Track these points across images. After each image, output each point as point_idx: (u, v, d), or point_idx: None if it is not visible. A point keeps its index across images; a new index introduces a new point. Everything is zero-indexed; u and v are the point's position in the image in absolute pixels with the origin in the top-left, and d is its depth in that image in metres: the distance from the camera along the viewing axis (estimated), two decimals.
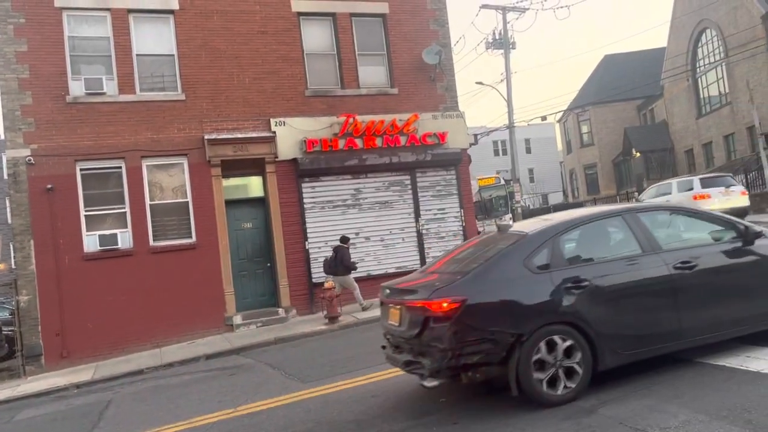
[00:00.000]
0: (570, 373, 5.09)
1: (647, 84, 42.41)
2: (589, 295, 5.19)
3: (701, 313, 5.48)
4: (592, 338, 5.12)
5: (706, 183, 18.75)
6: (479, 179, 28.01)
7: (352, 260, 13.08)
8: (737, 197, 18.54)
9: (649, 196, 20.41)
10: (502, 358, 5.02)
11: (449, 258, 6.39)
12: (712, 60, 37.39)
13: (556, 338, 5.06)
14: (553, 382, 5.05)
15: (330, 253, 13.32)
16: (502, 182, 28.80)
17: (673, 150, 42.36)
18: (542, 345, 5.02)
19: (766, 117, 31.54)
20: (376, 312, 12.66)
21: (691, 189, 18.49)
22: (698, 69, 39.01)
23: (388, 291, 6.01)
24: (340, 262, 12.93)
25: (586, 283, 5.20)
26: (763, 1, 31.27)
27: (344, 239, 13.37)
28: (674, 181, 20.08)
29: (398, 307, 5.67)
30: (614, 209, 6.02)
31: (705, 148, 39.29)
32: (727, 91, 36.14)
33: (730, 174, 23.37)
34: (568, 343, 5.07)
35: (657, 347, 5.38)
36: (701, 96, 39.31)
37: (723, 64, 35.87)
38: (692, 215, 6.22)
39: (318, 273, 14.17)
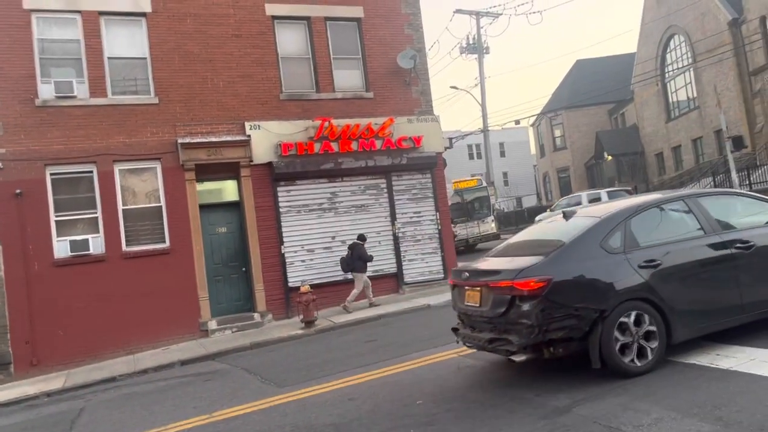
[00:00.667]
0: (645, 347, 5.47)
1: (618, 88, 43.17)
2: (661, 274, 5.63)
3: (759, 289, 5.96)
4: (666, 313, 5.56)
5: (612, 195, 21.80)
6: (460, 182, 27.49)
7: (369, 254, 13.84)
8: None
9: (560, 207, 22.40)
10: (584, 333, 5.40)
11: (514, 243, 6.87)
12: (680, 65, 38.19)
13: (635, 314, 5.46)
14: (631, 354, 5.43)
15: (345, 252, 13.93)
16: (484, 184, 28.25)
17: (644, 153, 43.13)
18: (622, 320, 5.42)
19: (733, 121, 32.31)
20: (360, 314, 12.72)
21: (599, 200, 20.63)
22: (667, 74, 39.82)
23: (466, 274, 6.29)
24: (357, 258, 13.52)
25: (657, 263, 5.64)
26: (729, 8, 32.05)
27: (362, 237, 13.99)
28: (584, 193, 22.32)
29: (478, 288, 6.01)
30: (675, 194, 6.52)
31: (674, 152, 40.07)
32: (695, 95, 36.93)
33: (634, 187, 28.59)
34: (645, 318, 5.49)
35: (722, 321, 5.84)
36: (670, 100, 40.12)
37: (691, 69, 36.66)
38: (747, 198, 6.78)
39: (294, 277, 14.12)
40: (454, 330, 6.62)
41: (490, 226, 26.72)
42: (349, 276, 14.29)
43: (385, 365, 7.72)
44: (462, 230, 25.65)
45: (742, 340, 5.94)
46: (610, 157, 43.06)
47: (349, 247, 13.80)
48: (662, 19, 38.13)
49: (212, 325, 13.20)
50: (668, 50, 39.17)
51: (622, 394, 5.08)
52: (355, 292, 13.54)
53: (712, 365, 5.44)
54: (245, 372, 9.27)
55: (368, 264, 13.82)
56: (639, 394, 5.02)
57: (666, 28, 38.15)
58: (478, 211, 26.76)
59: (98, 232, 12.79)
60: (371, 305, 13.54)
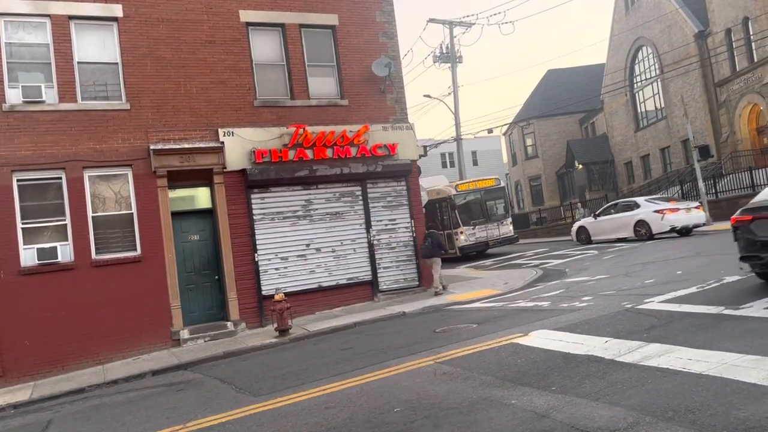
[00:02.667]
0: None
1: (588, 98, 43.94)
2: None
3: None
4: None
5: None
6: (476, 181, 26.17)
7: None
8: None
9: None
10: None
11: None
12: (648, 76, 39.03)
13: None
14: None
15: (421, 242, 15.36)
16: (502, 184, 26.83)
17: (614, 162, 43.87)
18: None
19: (700, 131, 33.08)
20: (334, 322, 12.63)
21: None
22: (635, 84, 40.65)
23: None
24: (437, 245, 15.11)
25: None
26: (695, 20, 32.87)
27: (434, 227, 16.02)
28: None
29: None
30: None
31: (643, 161, 40.87)
32: (662, 105, 37.75)
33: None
34: None
35: None
36: (639, 110, 40.95)
37: (658, 80, 37.47)
38: None
39: (268, 285, 14.01)
40: (745, 258, 8.12)
41: (508, 228, 25.93)
42: (324, 284, 14.34)
43: (362, 373, 7.67)
44: (481, 232, 24.82)
45: (717, 345, 6.05)
46: (580, 166, 43.73)
47: (427, 236, 15.28)
48: (630, 31, 38.96)
49: (184, 334, 12.99)
50: (636, 61, 40.03)
51: (597, 399, 5.12)
52: (437, 276, 15.12)
53: (684, 370, 5.52)
54: (219, 381, 9.14)
55: (347, 268, 14.63)
56: (615, 399, 5.06)
57: (634, 39, 38.98)
58: (495, 213, 25.74)
59: (67, 239, 12.51)
60: (437, 294, 14.75)
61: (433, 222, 24.55)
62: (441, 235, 16.75)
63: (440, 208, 25.47)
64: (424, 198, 21.49)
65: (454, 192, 25.06)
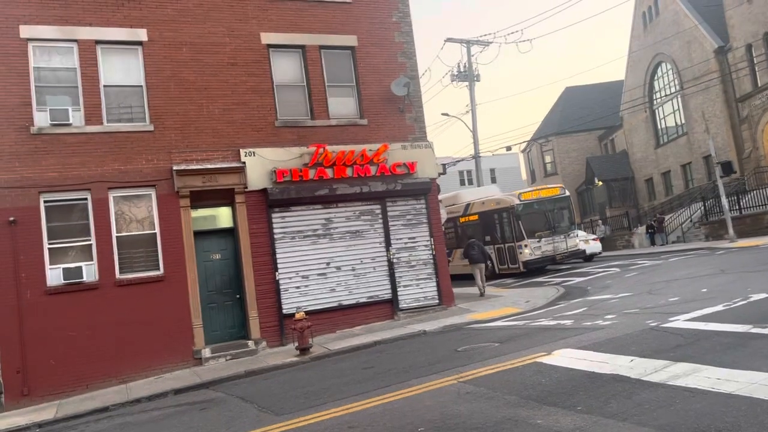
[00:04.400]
0: None
1: (607, 115, 43.73)
2: None
3: None
4: None
5: None
6: (539, 190, 24.32)
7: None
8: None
9: None
10: None
11: None
12: (668, 92, 38.78)
13: None
14: None
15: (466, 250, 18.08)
16: (567, 193, 24.58)
17: (634, 179, 43.52)
18: None
19: (722, 147, 32.73)
20: (354, 341, 12.62)
21: None
22: (655, 101, 40.41)
23: None
24: (483, 252, 17.88)
25: None
26: (715, 36, 32.68)
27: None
28: None
29: None
30: None
31: (664, 177, 40.47)
32: (683, 122, 37.44)
33: None
34: None
35: None
36: (659, 127, 40.65)
37: (678, 96, 37.20)
38: None
39: (288, 304, 14.05)
40: None
41: (575, 241, 24.13)
42: (344, 302, 14.44)
43: (384, 392, 7.65)
44: (547, 245, 22.83)
45: (746, 365, 5.96)
46: (600, 183, 43.42)
47: (474, 245, 18.24)
48: (649, 47, 38.83)
49: (206, 353, 13.06)
50: (656, 77, 39.83)
51: (627, 419, 5.05)
52: (480, 281, 17.71)
53: (666, 381, 5.43)
54: (241, 400, 9.16)
55: (366, 287, 15.04)
56: (593, 406, 4.98)
57: (653, 56, 38.82)
58: (561, 224, 23.75)
59: (92, 259, 12.69)
60: (482, 296, 16.63)
61: (490, 235, 24.10)
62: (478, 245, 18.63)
63: (499, 219, 23.98)
64: (444, 216, 21.44)
65: (517, 201, 23.16)
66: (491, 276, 22.78)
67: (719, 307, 9.20)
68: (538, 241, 22.71)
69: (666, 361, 6.58)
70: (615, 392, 5.84)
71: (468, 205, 25.88)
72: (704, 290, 11.41)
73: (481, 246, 18.66)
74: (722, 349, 6.76)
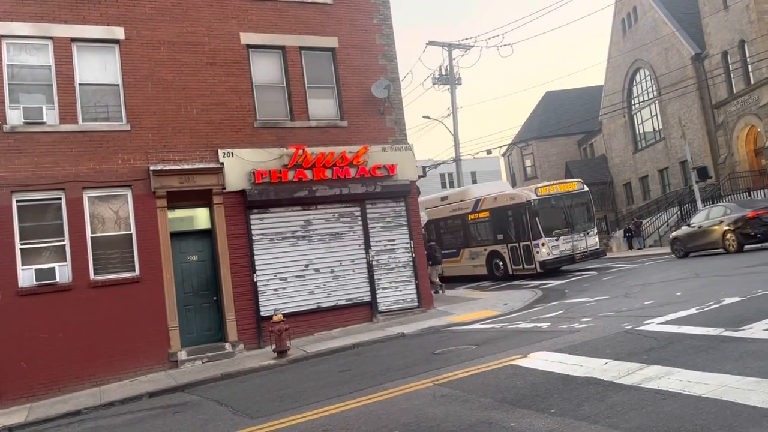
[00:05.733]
0: None
1: (587, 120, 44.20)
2: None
3: None
4: None
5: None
6: (557, 184, 22.44)
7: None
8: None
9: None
10: None
11: None
12: (646, 98, 39.30)
13: None
14: None
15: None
16: (585, 188, 22.75)
17: (613, 183, 43.99)
18: None
19: (698, 152, 33.23)
20: (333, 343, 12.57)
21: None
22: (633, 106, 40.93)
23: None
24: (430, 256, 19.22)
25: None
26: (692, 43, 33.17)
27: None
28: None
29: None
30: None
31: (642, 182, 40.98)
32: (660, 127, 37.95)
33: None
34: None
35: None
36: (637, 132, 41.17)
37: (656, 102, 37.72)
38: None
39: (266, 306, 13.96)
40: None
41: (595, 240, 22.29)
42: (323, 305, 14.47)
43: (360, 395, 7.61)
44: (565, 244, 21.12)
45: (717, 368, 6.02)
46: None
47: (435, 248, 20.72)
48: (628, 53, 39.31)
49: (182, 355, 12.91)
50: (634, 83, 40.35)
51: (599, 421, 5.08)
52: (437, 280, 19.97)
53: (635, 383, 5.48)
54: (216, 404, 9.06)
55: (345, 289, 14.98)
56: (565, 408, 5.02)
57: (632, 62, 39.31)
58: (580, 221, 21.92)
59: (65, 260, 12.49)
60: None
61: (503, 233, 22.18)
62: (437, 249, 20.84)
63: (513, 216, 21.78)
64: (424, 218, 21.45)
65: (533, 197, 21.19)
66: (504, 277, 21.93)
67: (692, 311, 9.31)
68: (556, 240, 20.98)
69: (639, 364, 6.63)
70: (588, 395, 5.87)
71: (478, 200, 23.74)
72: (678, 294, 11.55)
73: (439, 249, 21.43)
74: (694, 351, 6.83)
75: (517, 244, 21.63)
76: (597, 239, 22.58)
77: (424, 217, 21.11)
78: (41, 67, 12.92)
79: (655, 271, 16.55)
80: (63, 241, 12.56)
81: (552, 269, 21.23)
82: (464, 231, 24.57)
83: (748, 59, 28.49)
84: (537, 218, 20.91)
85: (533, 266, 20.94)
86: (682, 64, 33.71)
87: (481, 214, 23.52)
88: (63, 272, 12.43)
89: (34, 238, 12.40)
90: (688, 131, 34.11)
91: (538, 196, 21.31)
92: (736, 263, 15.22)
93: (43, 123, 12.63)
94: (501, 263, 22.21)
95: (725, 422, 4.57)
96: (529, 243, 21.07)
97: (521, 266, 21.51)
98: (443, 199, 26.27)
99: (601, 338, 8.47)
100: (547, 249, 20.77)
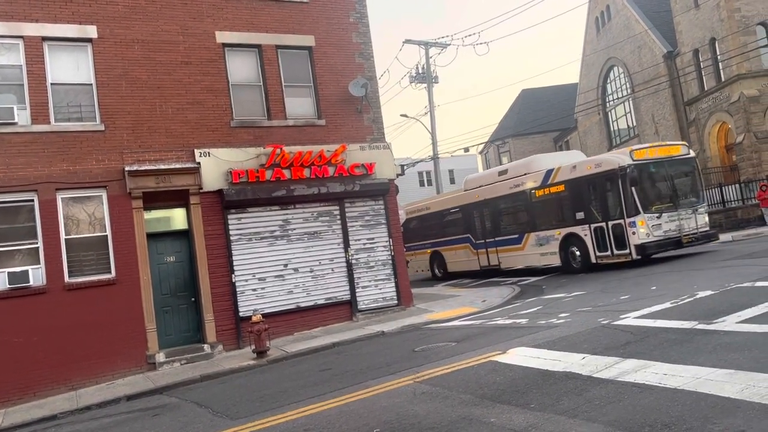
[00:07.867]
0: None
1: (562, 117, 44.61)
2: None
3: None
4: None
5: None
6: (656, 147, 17.33)
7: None
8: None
9: None
10: None
11: None
12: (620, 95, 39.81)
13: None
14: None
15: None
16: (691, 153, 18.02)
17: None
18: None
19: None
20: (313, 343, 12.54)
21: None
22: (608, 104, 41.42)
23: None
24: None
25: None
26: (664, 41, 33.66)
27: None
28: None
29: None
30: None
31: None
32: (635, 124, 38.48)
33: None
34: None
35: None
36: (612, 129, 41.67)
37: (630, 99, 38.24)
38: None
39: (245, 306, 13.87)
40: None
41: (705, 219, 17.29)
42: (302, 304, 14.40)
43: (341, 394, 7.61)
44: (669, 223, 16.37)
45: (692, 360, 6.13)
46: None
47: None
48: (602, 51, 39.77)
49: (160, 357, 12.78)
50: (608, 81, 40.83)
51: (577, 415, 5.15)
52: None
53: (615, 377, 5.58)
54: (195, 405, 8.99)
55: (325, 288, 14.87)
56: (544, 404, 5.09)
57: (606, 59, 39.78)
58: (686, 194, 17.22)
59: (39, 263, 12.28)
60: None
61: (584, 210, 17.44)
62: None
63: (599, 188, 17.14)
64: (402, 217, 21.34)
65: (628, 161, 16.31)
66: (583, 269, 17.46)
67: (667, 305, 9.47)
68: (658, 217, 16.26)
69: (616, 358, 6.74)
70: (567, 389, 5.95)
71: (550, 172, 18.76)
72: (653, 288, 11.73)
73: None
74: (669, 345, 6.96)
75: (603, 224, 16.86)
76: (707, 218, 17.63)
77: (402, 216, 21.07)
78: (12, 67, 12.66)
79: (631, 267, 16.75)
80: (36, 243, 12.34)
81: (651, 255, 16.62)
82: (529, 211, 19.75)
83: (718, 57, 29.00)
84: (634, 189, 16.09)
85: (626, 251, 16.23)
86: (654, 62, 34.21)
87: (554, 189, 18.65)
88: (37, 275, 12.21)
89: (6, 241, 12.15)
90: (661, 128, 34.63)
91: (634, 160, 16.39)
92: (711, 257, 15.49)
93: (14, 123, 12.39)
94: (578, 251, 17.73)
95: (700, 413, 4.66)
96: (621, 221, 16.30)
97: (609, 252, 16.75)
98: (501, 173, 21.58)
99: (579, 333, 8.58)
100: (646, 229, 16.07)
